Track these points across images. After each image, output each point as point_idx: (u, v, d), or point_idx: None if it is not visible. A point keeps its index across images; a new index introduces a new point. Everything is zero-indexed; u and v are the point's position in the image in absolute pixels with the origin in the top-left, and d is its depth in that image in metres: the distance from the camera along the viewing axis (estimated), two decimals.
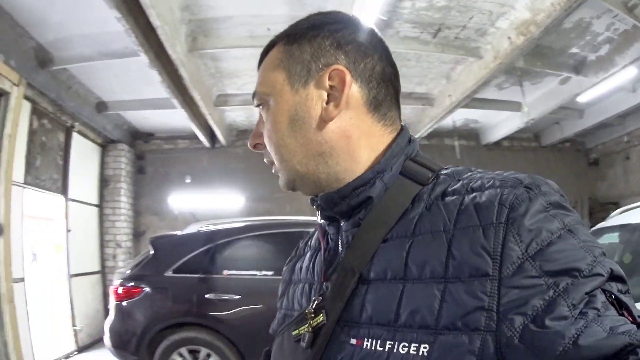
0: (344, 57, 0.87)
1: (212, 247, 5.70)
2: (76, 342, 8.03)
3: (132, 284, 5.54)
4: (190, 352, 5.44)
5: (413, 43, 6.47)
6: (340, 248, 0.90)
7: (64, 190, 8.17)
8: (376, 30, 0.96)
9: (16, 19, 5.66)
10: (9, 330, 3.28)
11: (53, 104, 7.30)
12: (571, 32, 6.47)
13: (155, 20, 4.94)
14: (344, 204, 0.86)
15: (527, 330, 0.63)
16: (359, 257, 0.81)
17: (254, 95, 0.93)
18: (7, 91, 3.34)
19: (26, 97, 6.53)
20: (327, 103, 0.86)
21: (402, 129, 0.94)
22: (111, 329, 5.50)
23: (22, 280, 6.38)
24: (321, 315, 0.81)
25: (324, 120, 0.86)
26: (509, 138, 11.45)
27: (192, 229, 6.37)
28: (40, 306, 7.22)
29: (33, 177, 7.05)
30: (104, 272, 9.73)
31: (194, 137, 10.34)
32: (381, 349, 0.73)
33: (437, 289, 0.70)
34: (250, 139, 0.95)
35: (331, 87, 0.86)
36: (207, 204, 10.32)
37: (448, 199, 0.78)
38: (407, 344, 0.71)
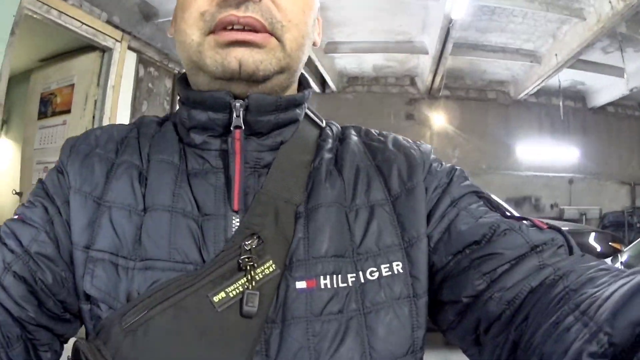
0: None
1: None
2: None
3: None
4: None
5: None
6: (235, 171, 0.67)
7: None
8: None
9: None
10: None
11: (159, 53, 7.48)
12: None
13: None
14: (274, 117, 0.70)
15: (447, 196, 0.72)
16: (288, 185, 0.69)
17: None
18: (110, 47, 3.50)
19: (132, 49, 6.80)
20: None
21: None
22: None
23: None
24: (269, 262, 0.62)
25: (314, 43, 0.79)
26: (613, 104, 10.76)
27: None
28: None
29: None
30: None
31: None
32: (344, 284, 0.63)
33: (386, 209, 0.69)
34: None
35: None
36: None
37: (351, 140, 0.78)
38: (375, 269, 0.65)
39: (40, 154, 3.87)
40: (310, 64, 8.88)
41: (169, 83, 8.29)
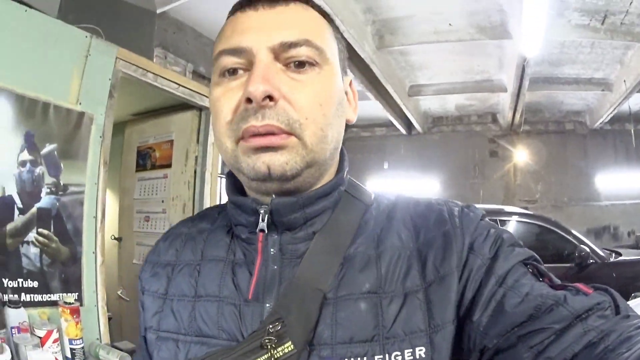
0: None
1: None
2: None
3: None
4: None
5: (584, 31, 6.27)
6: (281, 262, 0.78)
7: None
8: None
9: (199, 31, 6.30)
10: None
11: None
12: None
13: (340, 26, 5.12)
14: (300, 213, 0.78)
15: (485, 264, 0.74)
16: (320, 274, 0.75)
17: (300, 42, 0.75)
18: (207, 107, 3.76)
19: None
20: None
21: None
22: None
23: None
24: (288, 342, 0.69)
25: (347, 121, 0.85)
26: None
27: None
28: None
29: None
30: None
31: (390, 124, 10.63)
32: None
33: (419, 297, 0.72)
34: (261, 81, 0.71)
35: (346, 92, 0.85)
36: (404, 190, 10.33)
37: (396, 216, 0.82)
38: (399, 353, 0.69)
39: (140, 204, 4.17)
40: (395, 107, 9.10)
41: None
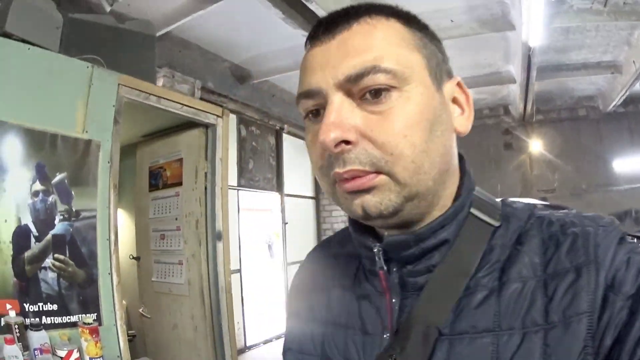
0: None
1: None
2: None
3: None
4: None
5: (588, 14, 6.13)
6: (399, 296, 0.75)
7: (278, 187, 8.88)
8: None
9: (205, 48, 6.41)
10: (225, 315, 3.84)
11: (259, 112, 8.01)
12: None
13: None
14: (416, 249, 0.73)
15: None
16: (437, 309, 0.70)
17: (367, 71, 0.66)
18: (212, 124, 3.84)
19: (230, 110, 7.32)
20: (459, 114, 0.76)
21: (460, 154, 0.80)
22: None
23: (238, 271, 7.27)
24: None
25: (457, 133, 0.75)
26: None
27: None
28: (255, 292, 7.95)
29: (247, 180, 7.86)
30: None
31: None
32: None
33: (538, 338, 0.63)
34: (332, 128, 0.66)
35: (454, 99, 0.76)
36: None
37: (526, 242, 0.71)
38: None
39: (155, 223, 4.28)
40: None
41: (272, 140, 8.68)
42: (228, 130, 3.99)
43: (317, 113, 0.71)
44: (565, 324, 0.62)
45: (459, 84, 0.76)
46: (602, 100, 10.11)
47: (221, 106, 6.65)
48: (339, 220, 10.44)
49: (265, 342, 7.98)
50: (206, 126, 3.89)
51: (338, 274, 0.86)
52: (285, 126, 8.89)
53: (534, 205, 0.78)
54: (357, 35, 0.68)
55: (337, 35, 0.69)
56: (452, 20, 6.10)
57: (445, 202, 0.74)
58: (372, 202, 0.67)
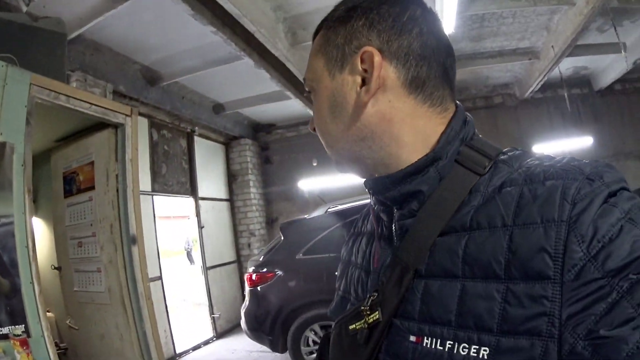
0: (376, 37, 0.82)
1: (339, 225, 5.85)
2: (215, 329, 8.64)
3: (265, 269, 5.94)
4: (322, 327, 5.75)
5: (505, 1, 6.27)
6: (394, 237, 0.86)
7: (192, 190, 8.75)
8: (422, 2, 0.87)
9: (116, 50, 6.21)
10: (148, 322, 3.72)
11: (170, 115, 7.86)
12: None
13: (250, 26, 5.15)
14: (395, 190, 0.83)
15: (590, 336, 0.60)
16: (415, 251, 0.78)
17: (304, 81, 0.92)
18: (121, 123, 3.69)
19: (142, 114, 7.20)
20: (360, 87, 0.83)
21: (457, 110, 0.87)
22: (246, 313, 5.97)
23: (159, 278, 7.09)
24: (376, 312, 0.79)
25: (359, 105, 0.83)
26: (620, 81, 10.42)
27: (319, 211, 6.60)
28: (178, 299, 7.80)
29: (160, 184, 7.69)
30: (239, 261, 10.31)
31: None
32: (441, 348, 0.71)
33: (497, 290, 0.67)
34: (310, 123, 0.95)
35: (364, 70, 0.82)
36: (336, 184, 10.25)
37: (505, 190, 0.73)
38: (467, 345, 0.68)
39: (72, 230, 4.06)
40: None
41: (183, 142, 8.52)
42: (137, 129, 3.86)
43: None
44: (527, 286, 0.65)
45: (362, 58, 0.82)
46: (519, 87, 10.43)
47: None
48: (254, 222, 10.49)
49: (194, 348, 7.87)
50: (116, 126, 3.74)
51: (366, 224, 1.06)
52: (196, 128, 8.77)
53: (531, 154, 0.81)
54: (310, 53, 0.92)
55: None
56: None
57: (414, 154, 0.82)
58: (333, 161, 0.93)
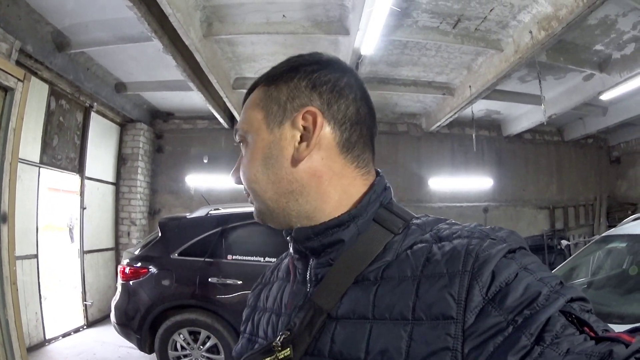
0: (317, 98, 0.89)
1: (218, 231, 5.73)
2: (86, 317, 8.20)
3: (139, 264, 5.69)
4: (190, 333, 5.58)
5: (432, 33, 6.36)
6: (308, 284, 0.92)
7: (80, 168, 8.29)
8: (355, 71, 0.98)
9: (32, 6, 5.79)
10: (11, 310, 3.35)
11: (71, 85, 7.39)
12: (596, 29, 6.33)
13: (166, 8, 4.92)
14: (317, 241, 0.89)
15: None
16: (328, 296, 0.84)
17: (235, 132, 0.96)
18: (12, 87, 3.29)
19: (44, 80, 6.74)
20: (299, 143, 0.88)
21: (380, 176, 0.96)
22: (116, 307, 5.68)
23: (35, 256, 6.58)
24: (288, 349, 0.82)
25: (295, 160, 0.88)
26: (531, 131, 11.27)
27: (201, 212, 6.37)
28: (55, 280, 7.33)
29: (49, 157, 7.18)
30: (117, 249, 9.90)
31: (213, 117, 10.33)
32: None
33: (404, 330, 0.73)
34: (232, 173, 0.97)
35: (304, 127, 0.88)
36: (223, 185, 10.23)
37: (417, 247, 0.82)
38: None
39: None
40: (218, 99, 8.89)
41: (79, 117, 8.10)
42: (26, 97, 3.50)
43: None
44: (432, 325, 0.72)
45: (304, 116, 0.89)
46: (427, 119, 10.74)
47: (32, 71, 6.03)
48: (137, 210, 10.19)
49: (64, 335, 7.38)
50: (5, 89, 3.35)
51: (276, 274, 1.10)
52: (95, 104, 8.33)
53: (443, 220, 0.91)
54: (244, 105, 0.97)
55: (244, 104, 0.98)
56: (284, 16, 6.04)
57: (337, 209, 0.90)
58: (254, 209, 0.96)
